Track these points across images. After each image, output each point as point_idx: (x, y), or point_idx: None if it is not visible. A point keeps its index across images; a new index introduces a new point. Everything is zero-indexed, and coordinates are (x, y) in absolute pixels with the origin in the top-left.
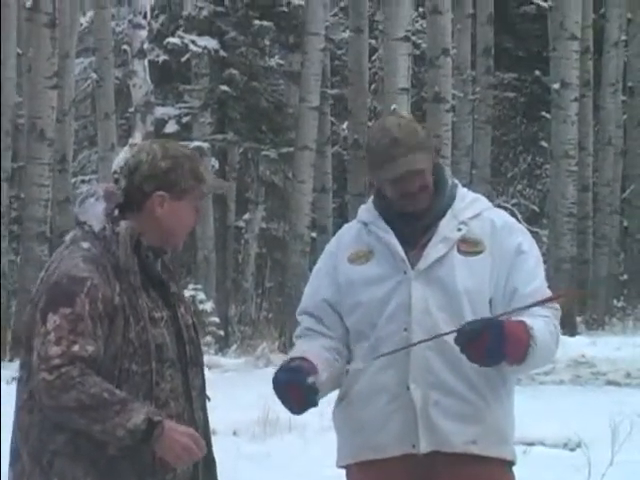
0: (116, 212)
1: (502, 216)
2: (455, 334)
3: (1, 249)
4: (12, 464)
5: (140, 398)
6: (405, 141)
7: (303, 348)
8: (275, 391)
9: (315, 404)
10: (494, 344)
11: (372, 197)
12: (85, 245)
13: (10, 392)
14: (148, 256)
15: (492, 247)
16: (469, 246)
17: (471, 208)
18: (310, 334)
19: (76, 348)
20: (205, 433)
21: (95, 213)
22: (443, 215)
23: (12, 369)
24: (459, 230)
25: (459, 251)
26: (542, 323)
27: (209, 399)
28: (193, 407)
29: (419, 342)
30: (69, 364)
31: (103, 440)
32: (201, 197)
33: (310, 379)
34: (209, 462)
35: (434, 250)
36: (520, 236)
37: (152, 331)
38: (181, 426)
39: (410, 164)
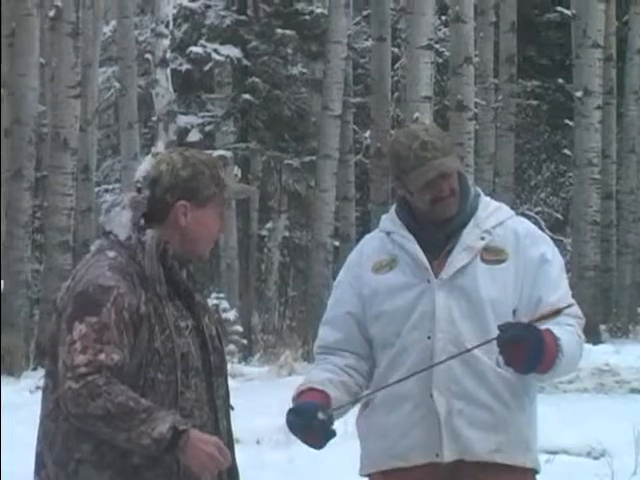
0: (142, 221)
1: (525, 225)
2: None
3: (1, 250)
4: (37, 472)
5: (165, 407)
6: (436, 144)
7: (310, 378)
8: (292, 433)
9: (333, 435)
10: (535, 352)
11: (394, 206)
12: (111, 254)
13: (34, 401)
14: (173, 265)
15: (516, 256)
16: (492, 255)
17: (494, 217)
18: (323, 356)
19: (102, 357)
20: (229, 442)
21: (121, 222)
22: (466, 224)
23: (36, 377)
24: (482, 239)
25: (482, 260)
26: (568, 334)
27: (232, 408)
28: (217, 416)
29: (449, 358)
30: (95, 372)
31: (128, 449)
32: (224, 203)
33: (320, 415)
34: (232, 472)
35: (457, 259)
36: (543, 245)
37: (177, 340)
38: (206, 435)
39: (442, 166)
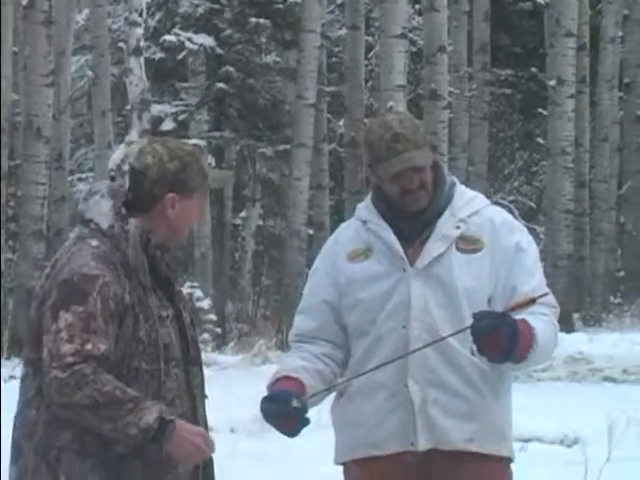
0: (123, 210)
1: (500, 214)
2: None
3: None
4: (14, 461)
5: (149, 397)
6: (407, 136)
7: (285, 366)
8: (266, 421)
9: (307, 423)
10: (509, 342)
11: (370, 194)
12: (94, 243)
13: (9, 390)
14: (156, 255)
15: (491, 245)
16: (468, 244)
17: (469, 206)
18: (299, 345)
19: (89, 346)
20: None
21: (102, 211)
22: (442, 213)
23: (9, 367)
24: (458, 228)
25: (458, 249)
26: (543, 323)
27: (207, 397)
28: (195, 405)
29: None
30: (82, 362)
31: (114, 438)
32: (206, 192)
33: (294, 402)
34: (207, 460)
35: (433, 248)
36: (519, 234)
37: (160, 330)
38: (192, 425)
39: (413, 160)
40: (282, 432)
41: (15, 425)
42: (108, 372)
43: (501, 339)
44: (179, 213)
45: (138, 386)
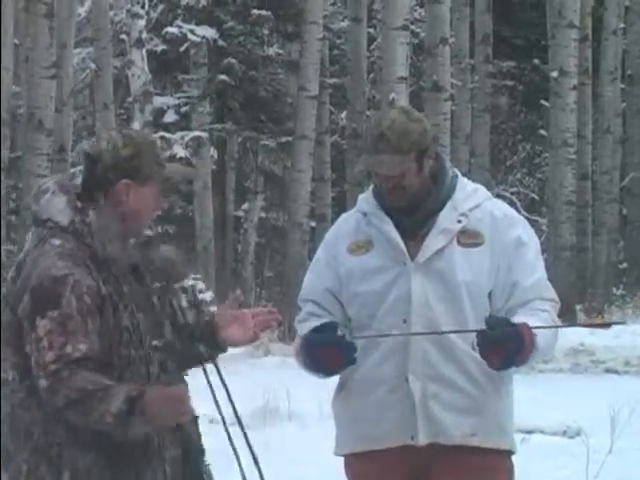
0: (79, 204)
1: (502, 207)
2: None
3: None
4: (4, 467)
5: (139, 383)
6: (391, 140)
7: (314, 325)
8: (308, 352)
9: (353, 361)
10: (513, 356)
11: (372, 186)
12: (57, 242)
13: None
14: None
15: (492, 239)
16: (469, 238)
17: (471, 199)
18: (314, 317)
19: (69, 349)
20: (194, 420)
21: (57, 208)
22: (443, 206)
23: None
24: (459, 222)
25: (459, 243)
26: (543, 324)
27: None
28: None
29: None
30: (64, 367)
31: (104, 431)
32: (163, 181)
33: (340, 332)
34: (198, 451)
35: (433, 242)
36: (520, 228)
37: (139, 316)
38: (162, 390)
39: (381, 165)
40: (323, 370)
41: (3, 432)
42: (99, 366)
43: (505, 352)
44: (134, 200)
45: (131, 374)
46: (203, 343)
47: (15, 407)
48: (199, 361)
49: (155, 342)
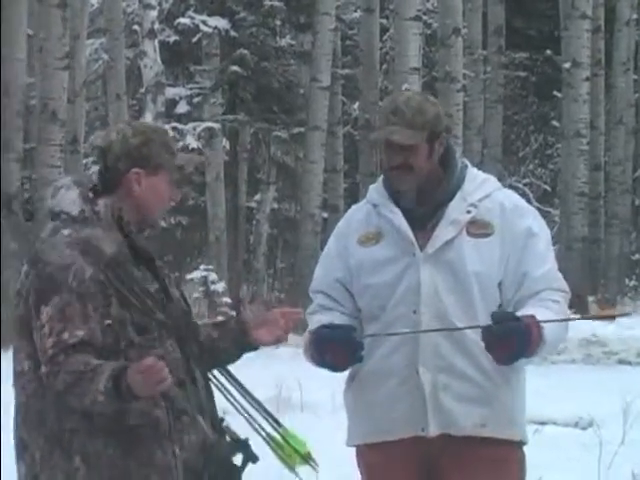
0: (90, 194)
1: (512, 198)
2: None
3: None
4: (21, 457)
5: None
6: (405, 114)
7: (323, 319)
8: (316, 347)
9: (361, 360)
10: (520, 351)
11: (382, 177)
12: (66, 232)
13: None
14: (131, 231)
15: (502, 229)
16: (478, 228)
17: (481, 190)
18: (324, 310)
19: (65, 335)
20: (208, 397)
21: (70, 200)
22: (452, 197)
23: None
24: (468, 212)
25: (468, 233)
26: (553, 315)
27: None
28: (195, 376)
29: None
30: (60, 352)
31: (105, 413)
32: (176, 170)
33: (356, 335)
34: (215, 423)
35: (443, 232)
36: (530, 218)
37: (148, 302)
38: (138, 364)
39: (392, 134)
40: (329, 366)
41: (17, 423)
42: (101, 349)
43: (512, 347)
44: (146, 189)
45: (137, 358)
46: (229, 341)
47: (29, 397)
48: (224, 357)
49: (169, 326)
